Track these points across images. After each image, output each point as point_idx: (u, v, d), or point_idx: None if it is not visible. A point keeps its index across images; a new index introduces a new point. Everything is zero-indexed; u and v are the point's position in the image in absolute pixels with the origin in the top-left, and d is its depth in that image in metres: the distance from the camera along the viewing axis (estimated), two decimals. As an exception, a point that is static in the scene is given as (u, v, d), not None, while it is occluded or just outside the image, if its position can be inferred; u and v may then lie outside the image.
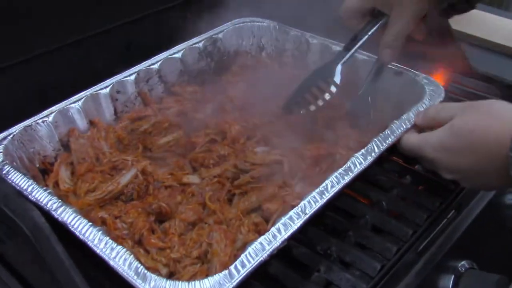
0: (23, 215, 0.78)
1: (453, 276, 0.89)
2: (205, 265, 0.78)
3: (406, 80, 1.07)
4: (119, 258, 0.69)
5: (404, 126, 0.92)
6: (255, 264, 0.68)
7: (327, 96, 0.96)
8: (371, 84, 1.01)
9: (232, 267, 0.67)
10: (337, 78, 0.96)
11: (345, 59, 0.97)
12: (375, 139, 0.89)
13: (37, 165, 0.96)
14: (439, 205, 0.92)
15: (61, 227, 0.76)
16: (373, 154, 0.86)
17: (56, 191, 0.92)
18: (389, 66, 1.08)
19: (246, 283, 0.69)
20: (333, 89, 0.96)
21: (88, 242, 0.72)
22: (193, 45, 1.19)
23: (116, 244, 0.71)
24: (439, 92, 1.01)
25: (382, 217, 0.91)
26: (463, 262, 0.91)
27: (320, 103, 0.96)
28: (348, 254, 0.84)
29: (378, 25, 0.96)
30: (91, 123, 1.02)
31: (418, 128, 0.92)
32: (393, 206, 0.94)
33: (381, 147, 0.88)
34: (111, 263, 0.69)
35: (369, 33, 0.96)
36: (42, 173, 0.96)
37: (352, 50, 0.97)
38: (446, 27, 0.97)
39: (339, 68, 0.96)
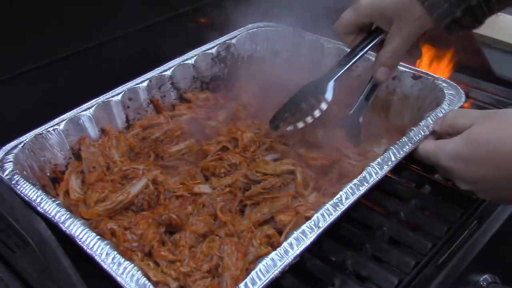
0: (28, 227, 0.76)
1: None
2: (216, 279, 0.76)
3: (425, 84, 1.04)
4: (126, 274, 0.67)
5: (422, 134, 0.89)
6: (266, 281, 0.65)
7: (317, 113, 0.90)
8: (363, 103, 0.93)
9: (242, 285, 0.65)
10: (329, 95, 0.90)
11: (338, 75, 0.91)
12: (392, 147, 0.86)
13: (48, 174, 0.95)
14: (460, 216, 0.89)
15: (69, 238, 0.74)
16: (389, 163, 0.83)
17: (67, 200, 0.91)
18: (408, 69, 1.05)
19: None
20: (323, 106, 0.90)
21: (96, 257, 0.70)
22: (206, 51, 1.17)
23: (123, 259, 0.69)
24: (459, 96, 0.97)
25: (399, 229, 0.88)
26: (485, 276, 0.87)
27: (309, 120, 0.91)
28: (364, 268, 0.81)
29: (375, 41, 0.88)
30: (102, 131, 1.01)
31: (437, 134, 0.88)
32: (411, 217, 0.91)
33: (398, 155, 0.85)
34: (118, 279, 0.67)
35: (365, 50, 0.89)
36: (53, 182, 0.95)
37: (346, 67, 0.91)
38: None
39: (331, 84, 0.90)
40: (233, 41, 1.21)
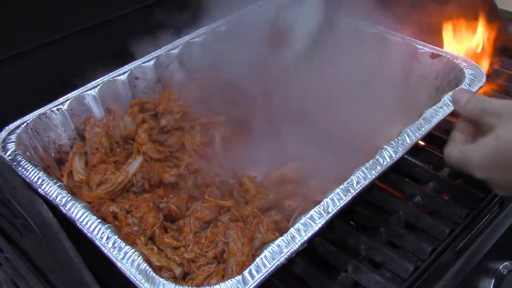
0: (30, 209, 0.75)
1: (494, 279, 0.83)
2: (221, 265, 0.73)
3: (444, 63, 0.98)
4: (127, 260, 0.65)
5: (440, 115, 0.84)
6: (271, 268, 0.63)
7: None
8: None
9: (246, 272, 0.62)
10: None
11: None
12: (407, 129, 0.81)
13: (53, 155, 0.93)
14: (480, 201, 0.85)
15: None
16: (404, 146, 0.79)
17: (71, 182, 0.89)
18: (426, 48, 1.00)
19: (268, 283, 0.64)
20: None
21: (96, 241, 0.68)
22: (215, 29, 1.13)
23: (124, 243, 0.67)
24: (480, 76, 0.92)
25: (416, 213, 0.84)
26: (505, 263, 0.84)
27: None
28: (378, 254, 0.78)
29: None
30: (108, 110, 0.98)
31: (462, 123, 0.77)
32: (429, 201, 0.87)
33: (413, 137, 0.80)
34: (119, 264, 0.65)
35: None
36: (58, 163, 0.93)
37: None
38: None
39: None
40: (244, 18, 1.16)
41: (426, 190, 0.89)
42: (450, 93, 0.87)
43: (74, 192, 0.86)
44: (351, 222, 0.87)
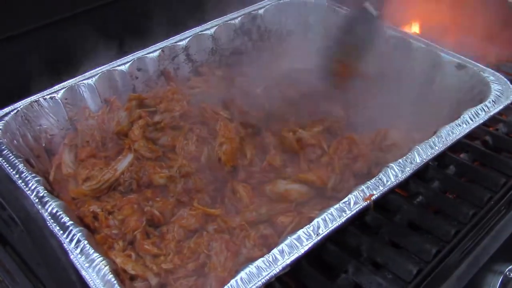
0: (13, 204, 0.71)
1: (500, 281, 0.77)
2: (201, 279, 0.68)
3: (469, 75, 0.90)
4: (93, 268, 0.60)
5: (457, 134, 0.77)
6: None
7: None
8: None
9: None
10: None
11: None
12: (418, 147, 0.74)
13: (43, 145, 0.88)
14: (487, 201, 0.79)
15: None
16: (412, 164, 0.72)
17: (59, 175, 0.84)
18: (451, 57, 0.93)
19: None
20: None
21: (64, 244, 0.63)
22: (229, 21, 1.06)
23: (93, 250, 0.61)
24: (508, 92, 0.84)
25: (420, 213, 0.78)
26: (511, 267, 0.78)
27: None
28: (380, 254, 0.72)
29: None
30: (106, 101, 0.93)
31: None
32: (434, 200, 0.81)
33: (424, 157, 0.73)
34: (83, 272, 0.59)
35: None
36: (49, 153, 0.89)
37: None
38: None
39: None
40: (261, 12, 1.11)
41: (431, 188, 0.83)
42: (471, 109, 0.80)
43: (61, 186, 0.82)
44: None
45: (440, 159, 0.88)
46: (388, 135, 0.86)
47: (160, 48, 0.99)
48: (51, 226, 0.65)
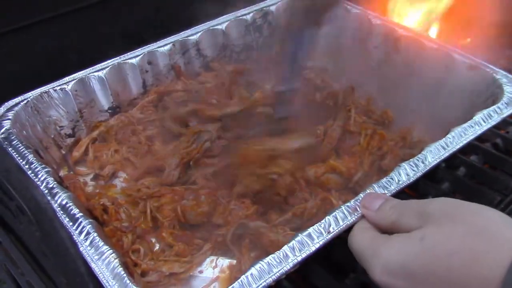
0: (24, 194, 0.71)
1: None
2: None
3: (482, 77, 0.89)
4: (103, 261, 0.59)
5: (469, 135, 0.76)
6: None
7: None
8: None
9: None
10: None
11: None
12: (431, 147, 0.73)
13: (52, 136, 0.88)
14: (497, 204, 0.79)
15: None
16: (425, 164, 0.72)
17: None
18: (463, 58, 0.92)
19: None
20: None
21: (74, 236, 0.62)
22: (240, 17, 1.06)
23: (103, 243, 0.61)
24: (521, 96, 0.83)
25: None
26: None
27: None
28: None
29: None
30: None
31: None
32: None
33: (436, 157, 0.73)
34: (93, 265, 0.59)
35: None
36: (57, 145, 0.89)
37: None
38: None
39: None
40: (272, 8, 1.10)
41: (440, 189, 0.83)
42: (484, 111, 0.79)
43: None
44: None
45: (450, 161, 0.87)
46: (413, 132, 0.87)
47: (171, 42, 0.98)
48: (61, 218, 0.65)
